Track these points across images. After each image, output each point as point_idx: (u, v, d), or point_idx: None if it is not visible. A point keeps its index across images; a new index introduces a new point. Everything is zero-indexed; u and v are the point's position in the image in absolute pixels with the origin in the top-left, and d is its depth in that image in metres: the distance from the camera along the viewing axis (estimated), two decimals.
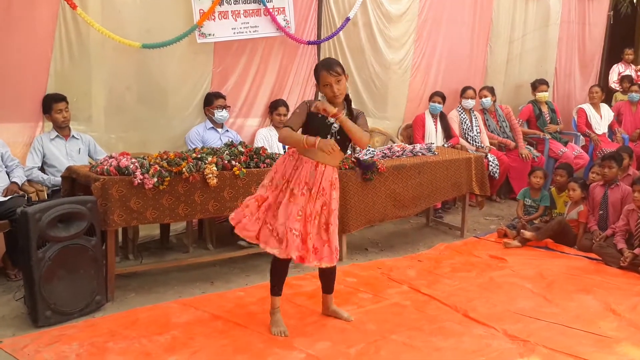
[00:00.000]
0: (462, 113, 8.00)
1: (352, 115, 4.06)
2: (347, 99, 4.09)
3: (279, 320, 4.25)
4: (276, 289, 4.26)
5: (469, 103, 7.98)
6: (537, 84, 8.80)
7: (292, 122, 4.05)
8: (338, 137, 3.99)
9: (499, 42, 8.93)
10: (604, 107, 9.14)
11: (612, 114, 9.17)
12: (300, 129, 4.05)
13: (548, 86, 8.94)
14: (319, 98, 4.02)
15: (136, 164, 4.62)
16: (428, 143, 6.77)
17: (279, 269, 4.20)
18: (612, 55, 10.75)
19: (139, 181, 4.55)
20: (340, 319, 4.43)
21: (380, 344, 4.09)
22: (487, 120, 8.24)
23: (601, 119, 9.04)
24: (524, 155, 8.09)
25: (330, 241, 4.06)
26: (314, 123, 4.03)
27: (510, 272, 5.60)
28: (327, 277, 4.39)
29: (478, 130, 7.98)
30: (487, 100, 8.24)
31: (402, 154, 6.21)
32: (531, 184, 7.00)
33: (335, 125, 3.98)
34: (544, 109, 8.82)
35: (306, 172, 3.99)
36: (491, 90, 8.31)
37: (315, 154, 3.97)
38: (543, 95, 8.78)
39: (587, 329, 4.40)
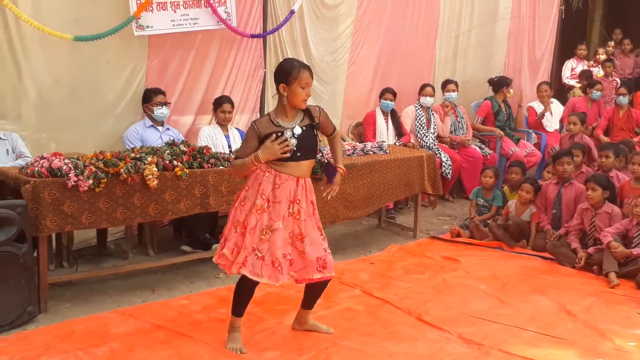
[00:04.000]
0: (418, 109, 8.09)
1: (314, 120, 3.99)
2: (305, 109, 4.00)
3: (237, 338, 4.11)
4: (240, 309, 4.08)
5: (427, 101, 8.06)
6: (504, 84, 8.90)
7: (241, 152, 3.94)
8: (296, 149, 3.89)
9: (445, 36, 9.06)
10: (554, 103, 9.38)
11: (562, 108, 9.41)
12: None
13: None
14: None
15: (70, 165, 4.55)
16: (379, 141, 6.84)
17: (248, 290, 4.03)
18: (563, 51, 11.04)
19: (73, 183, 4.48)
20: (320, 332, 4.35)
21: (332, 351, 4.13)
22: (448, 115, 8.36)
23: (552, 116, 9.27)
24: (461, 142, 8.24)
25: (326, 248, 4.05)
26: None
27: (463, 273, 5.71)
28: (317, 289, 4.20)
29: (435, 129, 8.09)
30: (455, 95, 8.38)
31: (352, 153, 6.26)
32: (482, 183, 7.15)
33: (295, 134, 3.87)
34: (502, 105, 8.93)
35: (289, 190, 3.90)
36: (457, 85, 8.46)
37: (294, 168, 3.89)
38: (511, 94, 8.98)
39: (541, 331, 4.53)
